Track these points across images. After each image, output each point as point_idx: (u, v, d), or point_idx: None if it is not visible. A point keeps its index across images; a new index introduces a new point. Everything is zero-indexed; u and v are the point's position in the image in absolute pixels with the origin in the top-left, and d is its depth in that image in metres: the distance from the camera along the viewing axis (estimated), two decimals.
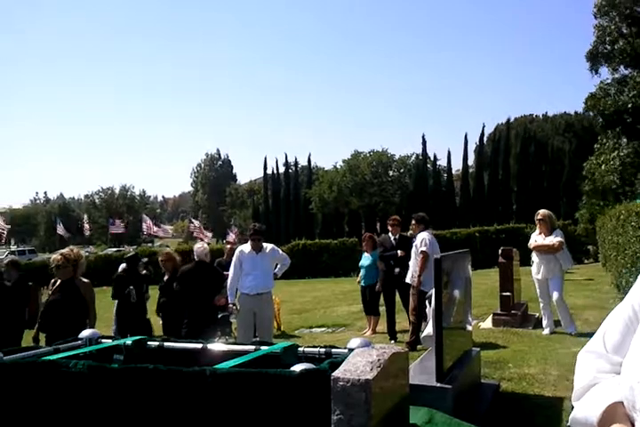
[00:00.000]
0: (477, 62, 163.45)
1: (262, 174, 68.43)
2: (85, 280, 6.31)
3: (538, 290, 8.18)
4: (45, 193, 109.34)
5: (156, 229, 41.91)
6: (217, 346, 4.04)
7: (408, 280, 7.91)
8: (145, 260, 12.08)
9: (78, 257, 6.29)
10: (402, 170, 59.95)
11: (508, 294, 8.85)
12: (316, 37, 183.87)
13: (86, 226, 43.71)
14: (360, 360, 2.43)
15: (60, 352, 3.82)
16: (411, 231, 8.65)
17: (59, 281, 6.21)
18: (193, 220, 42.71)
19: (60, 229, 43.09)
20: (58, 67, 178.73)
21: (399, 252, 8.68)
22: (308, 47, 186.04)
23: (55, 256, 6.13)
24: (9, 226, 42.20)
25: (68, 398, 3.38)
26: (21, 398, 3.45)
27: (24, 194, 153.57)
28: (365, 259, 9.71)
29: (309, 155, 65.84)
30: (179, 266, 8.51)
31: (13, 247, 49.21)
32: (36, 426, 3.40)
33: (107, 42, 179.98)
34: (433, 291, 4.60)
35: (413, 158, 59.94)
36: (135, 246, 53.31)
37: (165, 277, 8.50)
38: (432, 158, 58.99)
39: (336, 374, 2.38)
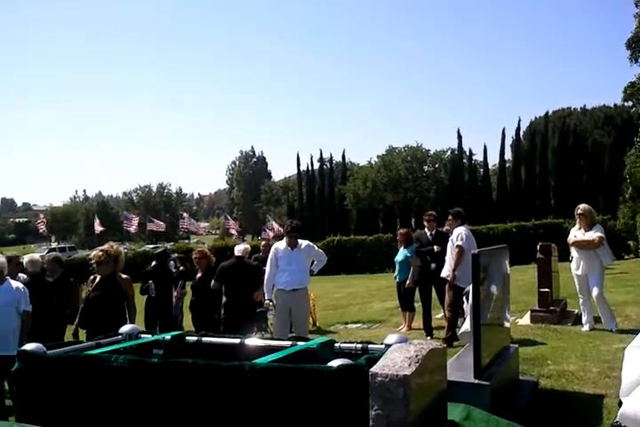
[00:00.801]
0: (513, 55, 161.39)
1: (296, 171, 68.58)
2: (125, 276, 6.42)
3: (577, 286, 8.04)
4: (85, 191, 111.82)
5: (192, 225, 42.43)
6: (254, 341, 4.07)
7: (443, 275, 7.87)
8: (175, 255, 12.21)
9: (118, 253, 6.40)
10: (437, 165, 59.44)
11: (546, 290, 8.73)
12: (348, 32, 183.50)
13: (134, 222, 44.33)
14: (398, 356, 2.42)
15: (101, 347, 3.89)
16: (447, 227, 8.59)
17: (98, 277, 6.32)
18: (228, 216, 43.06)
19: (97, 227, 43.87)
20: (97, 68, 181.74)
21: (435, 247, 8.63)
22: (340, 43, 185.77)
23: (96, 252, 6.24)
24: (44, 221, 43.11)
25: (109, 392, 3.44)
26: (64, 391, 3.52)
27: (64, 192, 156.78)
28: (400, 254, 9.68)
29: (343, 151, 65.65)
30: (212, 264, 8.56)
31: (54, 244, 50.24)
32: (79, 419, 3.47)
33: (146, 44, 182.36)
34: (470, 287, 4.55)
35: (449, 153, 59.39)
36: (172, 243, 54.00)
37: (198, 275, 8.47)
38: (468, 153, 58.37)
39: (374, 369, 2.38)
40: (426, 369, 2.46)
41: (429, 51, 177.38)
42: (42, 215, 44.73)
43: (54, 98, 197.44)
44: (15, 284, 6.27)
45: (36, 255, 8.28)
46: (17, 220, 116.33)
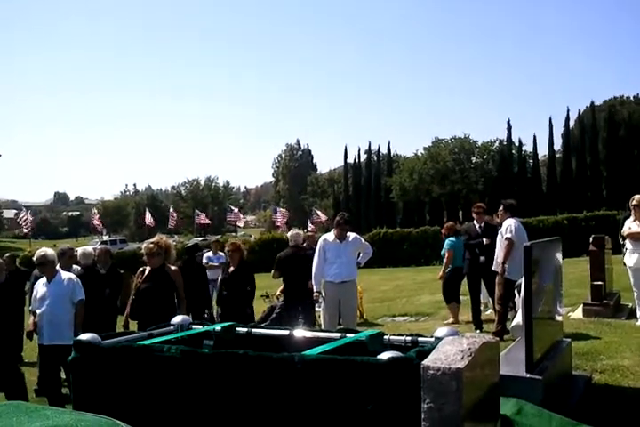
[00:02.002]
0: (562, 43, 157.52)
1: (342, 163, 68.48)
2: (174, 267, 6.52)
3: (632, 279, 7.82)
4: (135, 185, 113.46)
5: (239, 218, 42.85)
6: (303, 333, 4.09)
7: (494, 268, 7.77)
8: (205, 251, 12.32)
9: (168, 246, 6.51)
10: (485, 156, 58.51)
11: (599, 283, 8.52)
12: (393, 24, 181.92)
13: (172, 216, 45.09)
14: (450, 349, 2.40)
15: (153, 337, 3.96)
16: (497, 219, 8.48)
17: (147, 270, 6.43)
18: (278, 209, 43.23)
19: (148, 219, 44.68)
20: (145, 64, 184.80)
21: (484, 240, 8.51)
22: (385, 35, 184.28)
23: (148, 244, 6.35)
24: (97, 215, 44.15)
25: (161, 382, 3.50)
26: (118, 380, 3.60)
27: (115, 186, 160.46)
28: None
29: (389, 142, 65.34)
30: (245, 257, 8.32)
31: (105, 237, 51.42)
32: (132, 407, 3.54)
33: (196, 37, 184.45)
34: (522, 280, 4.47)
35: (497, 144, 58.38)
36: (219, 236, 54.63)
37: (230, 269, 8.11)
38: (517, 144, 57.25)
39: (426, 362, 2.36)
40: (478, 363, 2.43)
41: (476, 40, 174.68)
42: (95, 210, 45.78)
43: (105, 94, 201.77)
44: (67, 275, 6.44)
45: (89, 248, 8.48)
46: (70, 213, 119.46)
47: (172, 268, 6.51)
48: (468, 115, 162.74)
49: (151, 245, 6.26)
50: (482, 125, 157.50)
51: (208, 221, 47.06)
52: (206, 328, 4.21)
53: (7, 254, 9.97)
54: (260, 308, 10.36)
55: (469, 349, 2.39)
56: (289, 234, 8.38)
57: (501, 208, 7.96)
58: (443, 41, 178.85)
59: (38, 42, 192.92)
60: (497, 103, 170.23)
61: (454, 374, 2.25)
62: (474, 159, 58.76)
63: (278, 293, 10.15)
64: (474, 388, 2.42)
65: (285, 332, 4.07)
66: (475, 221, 8.91)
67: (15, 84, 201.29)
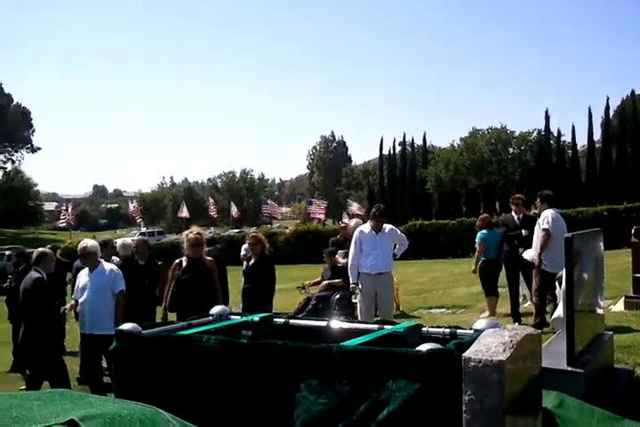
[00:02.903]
0: (600, 31, 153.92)
1: (377, 155, 68.16)
2: (209, 258, 6.60)
3: None
4: (172, 178, 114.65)
5: (274, 210, 43.03)
6: (340, 324, 4.09)
7: (528, 258, 7.66)
8: (219, 246, 12.34)
9: (204, 237, 6.62)
10: (522, 147, 57.62)
11: None
12: (426, 16, 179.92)
13: (211, 208, 45.53)
14: (492, 341, 2.37)
15: (192, 327, 4.00)
16: (535, 210, 8.37)
17: (184, 262, 6.51)
18: (315, 200, 43.28)
19: (184, 212, 45.18)
20: (182, 55, 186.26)
21: (523, 231, 8.40)
22: (419, 26, 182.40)
23: (190, 235, 6.43)
24: (141, 208, 44.82)
25: (200, 371, 3.54)
26: (158, 369, 3.65)
27: (152, 179, 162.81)
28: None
29: (424, 133, 64.61)
30: (267, 250, 8.14)
31: (143, 229, 52.07)
32: (172, 396, 3.59)
33: (231, 30, 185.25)
34: (563, 272, 4.40)
35: (535, 134, 57.41)
36: (255, 228, 54.99)
37: (251, 262, 7.90)
38: (555, 134, 56.21)
39: (467, 354, 2.34)
40: (520, 355, 2.40)
41: (513, 29, 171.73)
42: (136, 204, 46.40)
43: (143, 88, 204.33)
44: (109, 266, 6.55)
45: (128, 239, 8.62)
46: (108, 206, 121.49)
47: (209, 259, 6.59)
48: (505, 105, 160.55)
49: (193, 236, 6.35)
50: (520, 116, 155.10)
51: (238, 215, 47.44)
52: (244, 318, 4.24)
53: (48, 246, 10.20)
54: (295, 299, 10.40)
55: (511, 341, 2.36)
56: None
57: (538, 200, 7.85)
58: (479, 30, 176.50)
59: (74, 39, 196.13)
60: (535, 93, 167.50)
61: (496, 367, 2.23)
62: (511, 150, 57.90)
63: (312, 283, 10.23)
64: (515, 380, 2.39)
65: (323, 323, 4.07)
66: (513, 213, 8.80)
67: (54, 80, 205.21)
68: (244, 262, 9.00)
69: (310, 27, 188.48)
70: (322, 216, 39.06)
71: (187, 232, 6.66)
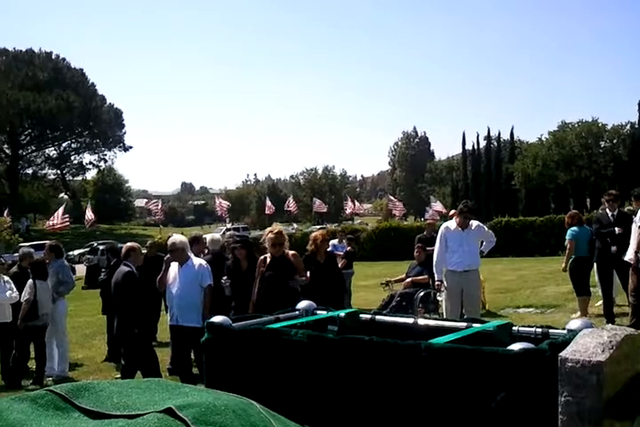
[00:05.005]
0: None
1: (461, 150, 66.99)
2: (292, 252, 6.67)
3: None
4: (255, 175, 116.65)
5: (356, 207, 43.08)
6: (427, 321, 4.04)
7: (626, 258, 7.35)
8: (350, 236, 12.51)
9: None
10: (615, 140, 55.22)
11: None
12: (518, 5, 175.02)
13: (292, 204, 46.03)
14: (590, 341, 2.28)
15: (280, 321, 4.06)
16: (629, 207, 8.03)
17: (268, 258, 6.60)
18: (391, 197, 43.16)
19: (268, 207, 45.87)
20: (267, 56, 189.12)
21: (617, 229, 8.06)
22: (507, 17, 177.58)
23: (270, 235, 6.52)
24: (228, 204, 45.91)
25: (288, 365, 3.59)
26: (247, 361, 3.73)
27: (237, 176, 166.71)
28: None
29: (512, 128, 62.88)
30: (327, 248, 7.76)
31: (229, 225, 53.23)
32: (260, 387, 3.65)
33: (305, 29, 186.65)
34: None
35: (628, 127, 54.90)
36: (336, 224, 55.18)
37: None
38: None
39: (564, 354, 2.27)
40: (620, 356, 2.30)
41: (604, 17, 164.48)
42: (222, 201, 47.45)
43: (227, 88, 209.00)
44: (198, 261, 6.73)
45: (217, 235, 8.83)
46: (195, 202, 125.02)
47: (292, 253, 6.66)
48: (596, 98, 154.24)
49: (275, 235, 6.43)
50: (612, 108, 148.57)
51: (324, 210, 47.62)
52: (330, 314, 4.26)
53: (149, 242, 10.75)
54: (378, 296, 10.39)
55: (610, 341, 2.26)
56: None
57: (633, 197, 7.55)
58: (569, 18, 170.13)
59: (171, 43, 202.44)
60: (628, 84, 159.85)
61: (594, 368, 2.15)
62: (602, 143, 55.65)
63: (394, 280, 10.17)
64: (614, 382, 2.30)
65: (409, 320, 4.04)
66: (607, 209, 8.47)
67: (144, 81, 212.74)
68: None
69: (392, 20, 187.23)
70: (399, 213, 38.90)
71: (267, 230, 6.74)
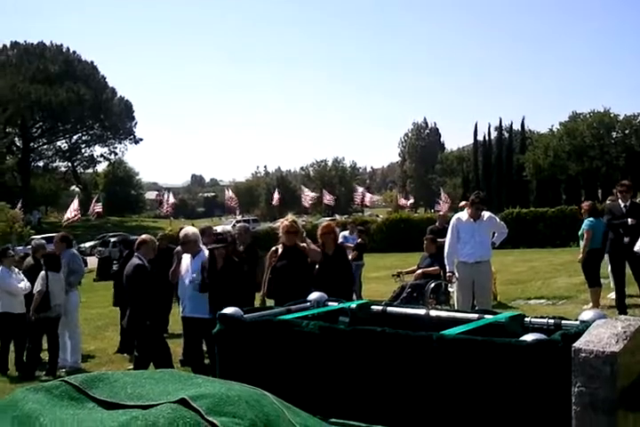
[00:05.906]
0: None
1: (472, 141, 66.72)
2: (304, 244, 6.68)
3: None
4: (265, 167, 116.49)
5: (366, 198, 43.08)
6: (439, 313, 4.03)
7: (636, 249, 7.31)
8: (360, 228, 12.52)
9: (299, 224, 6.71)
10: (627, 131, 54.79)
11: None
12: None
13: (305, 196, 46.06)
14: (603, 332, 2.27)
15: (291, 313, 4.06)
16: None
17: (279, 249, 6.60)
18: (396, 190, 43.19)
19: (276, 200, 45.97)
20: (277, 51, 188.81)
21: (629, 220, 8.01)
22: (518, 9, 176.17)
23: (286, 223, 6.53)
24: (236, 200, 46.02)
25: (300, 356, 3.59)
26: (259, 352, 3.74)
27: (247, 168, 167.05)
28: None
29: (523, 118, 62.72)
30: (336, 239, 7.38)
31: (239, 217, 53.31)
32: (271, 378, 3.66)
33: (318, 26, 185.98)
34: None
35: None
36: (346, 216, 55.15)
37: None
38: None
39: (577, 345, 2.26)
40: (634, 347, 2.28)
41: (614, 6, 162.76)
42: (232, 193, 47.52)
43: (237, 80, 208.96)
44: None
45: (228, 226, 8.85)
46: (205, 194, 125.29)
47: (303, 245, 6.66)
48: (608, 88, 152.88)
49: (288, 224, 6.44)
50: (624, 99, 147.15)
51: (332, 203, 47.72)
52: (342, 305, 4.26)
53: (160, 234, 10.78)
54: (389, 287, 10.39)
55: (624, 332, 2.25)
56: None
57: None
58: (580, 9, 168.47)
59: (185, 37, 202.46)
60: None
61: (608, 358, 2.13)
62: (614, 134, 55.22)
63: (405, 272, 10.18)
64: (628, 373, 2.28)
65: (421, 311, 4.03)
66: (619, 200, 8.43)
67: (154, 74, 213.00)
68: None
69: (401, 15, 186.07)
70: (407, 203, 39.07)
71: (282, 220, 6.76)
